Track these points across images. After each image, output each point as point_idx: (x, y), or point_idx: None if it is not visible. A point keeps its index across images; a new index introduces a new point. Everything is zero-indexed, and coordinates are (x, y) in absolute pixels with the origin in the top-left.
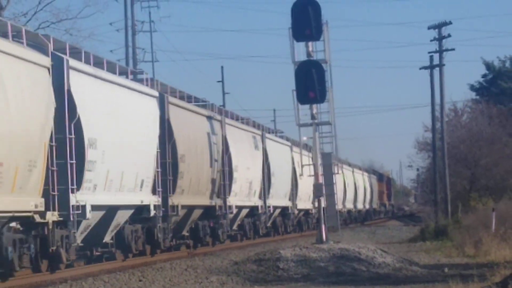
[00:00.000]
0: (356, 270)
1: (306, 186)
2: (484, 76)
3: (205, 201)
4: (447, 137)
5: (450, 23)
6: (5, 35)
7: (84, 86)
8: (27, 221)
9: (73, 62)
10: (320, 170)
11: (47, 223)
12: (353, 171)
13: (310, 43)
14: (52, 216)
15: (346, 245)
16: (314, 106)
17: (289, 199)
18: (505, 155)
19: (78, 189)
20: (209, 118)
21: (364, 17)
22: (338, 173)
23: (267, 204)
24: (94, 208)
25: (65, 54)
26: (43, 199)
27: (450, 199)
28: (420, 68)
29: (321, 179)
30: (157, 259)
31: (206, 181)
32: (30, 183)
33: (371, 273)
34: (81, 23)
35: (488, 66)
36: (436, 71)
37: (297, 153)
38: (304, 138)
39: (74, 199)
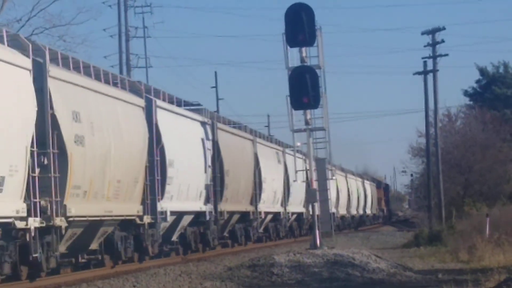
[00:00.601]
0: (350, 276)
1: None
2: (477, 81)
3: (242, 207)
4: (441, 143)
5: (444, 28)
6: (97, 77)
7: (164, 119)
8: (129, 224)
9: (159, 102)
10: (314, 176)
11: (144, 224)
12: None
13: (303, 49)
14: (147, 219)
15: (340, 250)
16: (308, 111)
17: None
18: (498, 161)
19: (161, 198)
20: (244, 138)
21: (358, 22)
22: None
23: (287, 210)
24: (171, 213)
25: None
26: (141, 206)
27: (444, 205)
28: (414, 74)
29: (315, 185)
30: (150, 265)
31: (242, 191)
32: (134, 194)
33: (365, 278)
34: (74, 29)
35: (482, 71)
36: (430, 76)
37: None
38: (298, 144)
39: (160, 206)
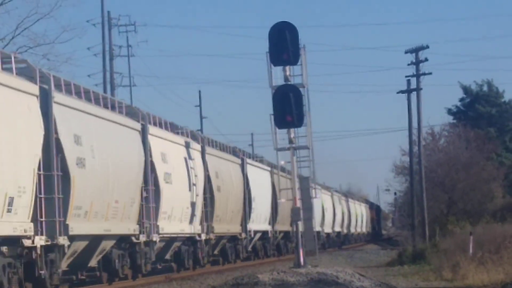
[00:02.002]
0: None
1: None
2: (461, 100)
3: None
4: (424, 161)
5: (427, 47)
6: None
7: (250, 170)
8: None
9: (248, 160)
10: (298, 194)
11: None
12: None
13: (287, 68)
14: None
15: (324, 269)
16: (292, 130)
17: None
18: (482, 179)
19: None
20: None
21: (342, 41)
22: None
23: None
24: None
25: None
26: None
27: (427, 223)
28: (398, 92)
29: (299, 203)
30: (143, 282)
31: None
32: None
33: None
34: (58, 47)
35: (466, 90)
36: (414, 95)
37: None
38: (282, 162)
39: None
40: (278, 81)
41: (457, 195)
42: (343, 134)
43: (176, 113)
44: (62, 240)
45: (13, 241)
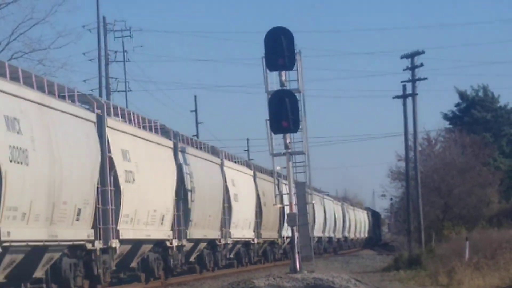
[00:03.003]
0: None
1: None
2: (457, 105)
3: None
4: (420, 166)
5: (423, 52)
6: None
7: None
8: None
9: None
10: (294, 200)
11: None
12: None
13: (283, 73)
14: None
15: (320, 274)
16: (288, 135)
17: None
18: (478, 184)
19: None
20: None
21: (337, 46)
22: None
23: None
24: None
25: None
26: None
27: (423, 228)
28: (393, 97)
29: (294, 209)
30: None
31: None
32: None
33: None
34: (54, 53)
35: (462, 95)
36: (409, 100)
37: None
38: (278, 168)
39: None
40: (274, 86)
41: (453, 200)
42: (339, 140)
43: (171, 118)
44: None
45: (77, 245)
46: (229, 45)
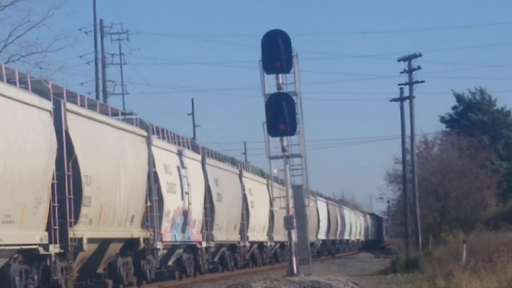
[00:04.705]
0: None
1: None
2: (454, 108)
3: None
4: (417, 169)
5: (420, 55)
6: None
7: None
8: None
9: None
10: (291, 203)
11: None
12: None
13: (280, 76)
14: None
15: (317, 277)
16: (285, 138)
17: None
18: (475, 187)
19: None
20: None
21: (334, 49)
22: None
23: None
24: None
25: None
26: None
27: (420, 231)
28: (391, 100)
29: (291, 212)
30: None
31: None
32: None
33: None
34: (51, 56)
35: (459, 98)
36: (406, 103)
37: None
38: (275, 171)
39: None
40: (271, 89)
41: (450, 203)
42: (336, 143)
43: (168, 121)
44: None
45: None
46: (226, 48)
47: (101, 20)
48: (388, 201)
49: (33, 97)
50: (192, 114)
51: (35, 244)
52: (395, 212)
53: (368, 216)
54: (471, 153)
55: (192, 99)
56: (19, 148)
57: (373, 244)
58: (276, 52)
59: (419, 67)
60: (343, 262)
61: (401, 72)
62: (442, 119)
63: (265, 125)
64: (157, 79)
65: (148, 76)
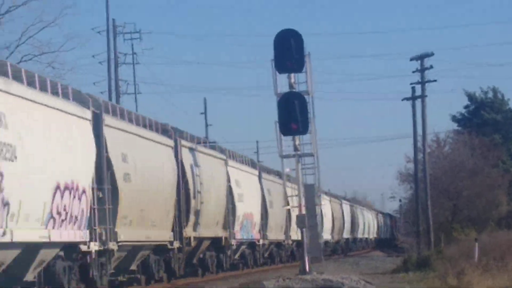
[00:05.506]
0: None
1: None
2: (466, 107)
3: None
4: (429, 168)
5: (432, 54)
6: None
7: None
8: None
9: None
10: (303, 201)
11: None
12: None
13: (292, 75)
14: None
15: (329, 276)
16: (297, 137)
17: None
18: (487, 186)
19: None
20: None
21: (347, 48)
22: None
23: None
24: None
25: None
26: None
27: (432, 230)
28: (403, 99)
29: (303, 210)
30: (180, 284)
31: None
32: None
33: None
34: (63, 56)
35: (471, 97)
36: (418, 102)
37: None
38: (287, 170)
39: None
40: (283, 88)
41: (462, 202)
42: (348, 142)
43: (181, 121)
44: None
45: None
46: (238, 48)
47: (113, 20)
48: (400, 200)
49: (167, 140)
50: (205, 113)
51: (166, 241)
52: (406, 211)
53: (380, 215)
54: (482, 152)
55: (205, 98)
56: (163, 175)
57: (386, 242)
58: (289, 51)
59: (431, 66)
60: (356, 260)
61: (413, 71)
62: (454, 118)
63: (277, 124)
64: (170, 79)
65: (160, 75)
